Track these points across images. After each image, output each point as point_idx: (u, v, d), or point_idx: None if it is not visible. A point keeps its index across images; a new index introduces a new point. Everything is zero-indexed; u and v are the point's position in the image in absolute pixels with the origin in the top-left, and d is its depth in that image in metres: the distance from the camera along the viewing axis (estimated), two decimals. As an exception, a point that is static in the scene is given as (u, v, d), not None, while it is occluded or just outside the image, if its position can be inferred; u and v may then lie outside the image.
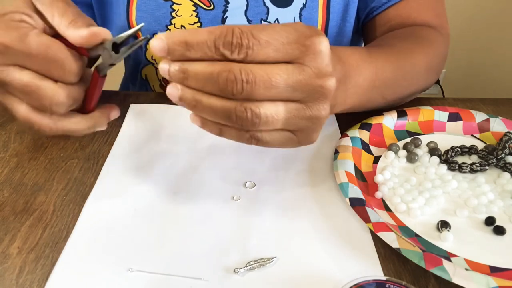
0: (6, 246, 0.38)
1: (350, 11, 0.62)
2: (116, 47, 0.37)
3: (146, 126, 0.53)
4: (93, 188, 0.44)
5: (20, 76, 0.35)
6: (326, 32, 0.62)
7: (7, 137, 0.52)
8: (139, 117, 0.55)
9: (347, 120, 0.55)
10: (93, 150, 0.50)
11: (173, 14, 0.60)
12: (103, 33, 0.36)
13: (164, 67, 0.33)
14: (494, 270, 0.36)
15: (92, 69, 0.40)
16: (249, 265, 0.36)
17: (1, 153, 0.49)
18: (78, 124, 0.39)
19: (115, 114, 0.42)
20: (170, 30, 0.62)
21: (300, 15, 0.60)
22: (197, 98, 0.34)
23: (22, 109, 0.37)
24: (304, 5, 0.59)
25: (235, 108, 0.33)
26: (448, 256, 0.37)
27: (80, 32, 0.35)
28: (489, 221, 0.40)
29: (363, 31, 0.67)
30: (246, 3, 0.60)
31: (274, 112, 0.33)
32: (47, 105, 0.36)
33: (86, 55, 0.37)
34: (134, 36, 0.38)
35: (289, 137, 0.36)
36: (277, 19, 0.60)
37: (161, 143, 0.51)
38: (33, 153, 0.49)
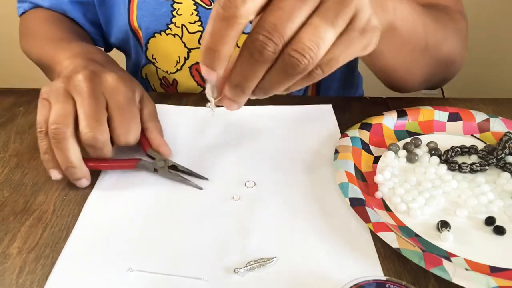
0: (6, 246, 0.38)
1: None
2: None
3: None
4: (93, 188, 0.44)
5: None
6: None
7: (7, 137, 0.52)
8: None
9: (347, 120, 0.56)
10: (93, 150, 0.50)
11: (174, 13, 0.60)
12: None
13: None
14: (494, 270, 0.36)
15: None
16: (249, 265, 0.36)
17: (1, 153, 0.49)
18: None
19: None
20: (170, 29, 0.62)
21: None
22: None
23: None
24: None
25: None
26: (448, 256, 0.37)
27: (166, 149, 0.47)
28: (489, 221, 0.40)
29: None
30: None
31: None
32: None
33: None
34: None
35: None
36: None
37: (161, 143, 0.51)
38: (33, 153, 0.49)
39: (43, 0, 0.67)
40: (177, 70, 0.65)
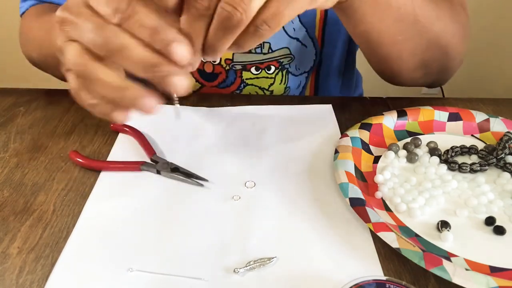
0: (6, 246, 0.38)
1: None
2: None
3: (147, 126, 0.53)
4: (93, 188, 0.44)
5: None
6: (323, 28, 0.62)
7: (7, 137, 0.52)
8: (140, 117, 0.54)
9: (347, 120, 0.56)
10: (93, 150, 0.50)
11: None
12: None
13: None
14: (494, 270, 0.36)
15: None
16: (249, 265, 0.36)
17: (1, 153, 0.49)
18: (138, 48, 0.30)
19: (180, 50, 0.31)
20: None
21: None
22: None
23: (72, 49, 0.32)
24: None
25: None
26: (448, 256, 0.37)
27: None
28: (489, 221, 0.40)
29: None
30: None
31: None
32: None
33: None
34: None
35: None
36: None
37: (161, 143, 0.51)
38: (33, 153, 0.49)
39: None
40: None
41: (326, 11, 0.61)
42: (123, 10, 0.30)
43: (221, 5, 0.29)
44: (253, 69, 0.65)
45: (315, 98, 0.63)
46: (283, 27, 0.61)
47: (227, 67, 0.64)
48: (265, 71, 0.65)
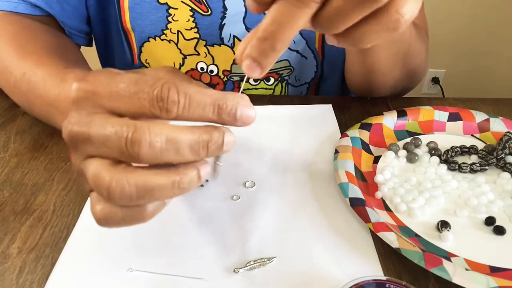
0: (6, 246, 0.38)
1: None
2: None
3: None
4: (93, 188, 0.44)
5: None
6: (323, 39, 0.62)
7: (7, 137, 0.52)
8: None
9: (347, 120, 0.56)
10: (93, 150, 0.50)
11: (169, 18, 0.60)
12: None
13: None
14: (494, 270, 0.36)
15: None
16: (249, 265, 0.36)
17: (1, 153, 0.49)
18: (160, 177, 0.26)
19: (206, 169, 0.28)
20: (166, 34, 0.61)
21: None
22: None
23: (94, 165, 0.26)
24: None
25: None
26: (448, 256, 0.37)
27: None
28: (489, 221, 0.40)
29: None
30: (244, 10, 0.59)
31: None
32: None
33: None
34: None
35: None
36: None
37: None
38: (33, 153, 0.49)
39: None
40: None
41: (324, 35, 0.61)
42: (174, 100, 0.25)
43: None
44: (251, 80, 0.65)
45: (315, 98, 0.63)
46: None
47: (225, 78, 0.64)
48: (264, 82, 0.65)
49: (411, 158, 0.48)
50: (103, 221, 0.28)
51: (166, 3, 0.59)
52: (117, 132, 0.25)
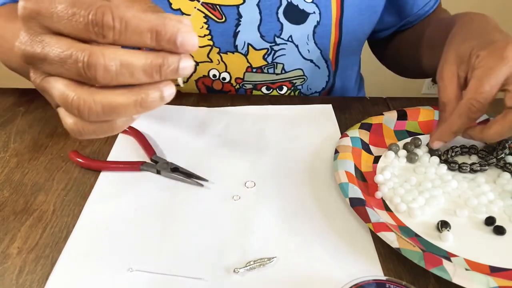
0: (6, 246, 0.38)
1: (365, 29, 0.62)
2: None
3: (147, 126, 0.53)
4: (93, 188, 0.44)
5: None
6: (338, 49, 0.62)
7: (7, 137, 0.52)
8: (140, 117, 0.55)
9: (347, 120, 0.56)
10: (93, 150, 0.50)
11: None
12: None
13: None
14: (494, 270, 0.36)
15: None
16: (249, 265, 0.36)
17: (1, 153, 0.49)
18: (123, 96, 0.27)
19: (169, 91, 0.29)
20: None
21: (314, 32, 0.59)
22: None
23: (59, 85, 0.28)
24: (318, 22, 0.58)
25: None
26: (448, 256, 0.37)
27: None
28: (489, 221, 0.40)
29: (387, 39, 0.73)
30: (259, 17, 0.58)
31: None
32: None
33: None
34: None
35: None
36: (290, 36, 0.59)
37: (161, 143, 0.51)
38: (33, 153, 0.49)
39: None
40: (183, 82, 0.64)
41: (340, 40, 0.61)
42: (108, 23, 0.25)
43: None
44: (263, 89, 0.64)
45: (315, 98, 0.63)
46: (299, 50, 0.60)
47: (237, 86, 0.63)
48: (276, 90, 0.64)
49: (411, 158, 0.48)
50: (77, 133, 0.29)
51: (179, 9, 0.58)
52: (72, 55, 0.26)
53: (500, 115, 0.44)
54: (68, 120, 0.29)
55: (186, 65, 0.28)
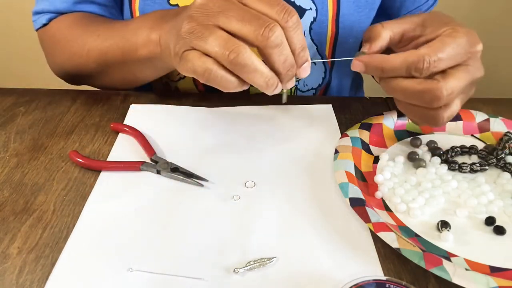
0: (6, 246, 0.38)
1: (362, 25, 0.62)
2: None
3: (147, 126, 0.53)
4: (93, 188, 0.44)
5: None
6: (334, 45, 0.62)
7: (7, 137, 0.52)
8: (140, 117, 0.55)
9: (347, 120, 0.56)
10: (93, 150, 0.50)
11: None
12: None
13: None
14: (494, 270, 0.36)
15: None
16: (249, 265, 0.36)
17: (1, 153, 0.49)
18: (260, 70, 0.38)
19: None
20: None
21: (310, 28, 0.59)
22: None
23: (209, 63, 0.38)
24: (315, 19, 0.58)
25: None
26: (448, 256, 0.37)
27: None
28: (489, 221, 0.40)
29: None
30: None
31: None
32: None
33: None
34: None
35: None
36: None
37: (161, 143, 0.51)
38: (33, 153, 0.49)
39: (62, 2, 0.60)
40: (180, 78, 0.64)
41: (336, 36, 0.60)
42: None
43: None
44: None
45: (315, 98, 0.63)
46: None
47: None
48: None
49: (412, 158, 0.48)
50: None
51: (177, 4, 0.58)
52: (225, 46, 0.37)
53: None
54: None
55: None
